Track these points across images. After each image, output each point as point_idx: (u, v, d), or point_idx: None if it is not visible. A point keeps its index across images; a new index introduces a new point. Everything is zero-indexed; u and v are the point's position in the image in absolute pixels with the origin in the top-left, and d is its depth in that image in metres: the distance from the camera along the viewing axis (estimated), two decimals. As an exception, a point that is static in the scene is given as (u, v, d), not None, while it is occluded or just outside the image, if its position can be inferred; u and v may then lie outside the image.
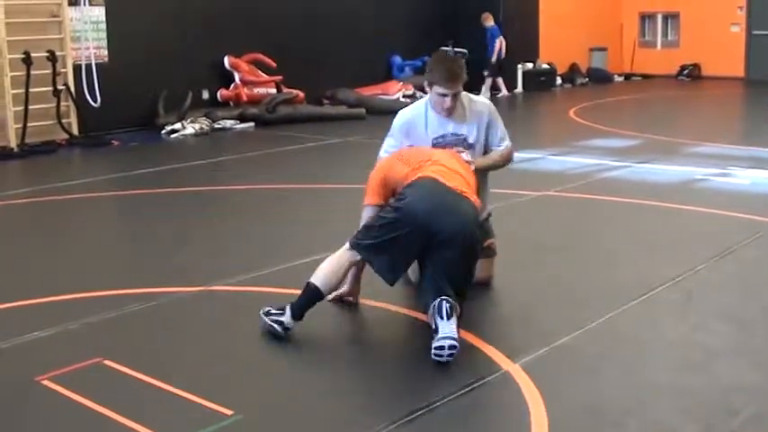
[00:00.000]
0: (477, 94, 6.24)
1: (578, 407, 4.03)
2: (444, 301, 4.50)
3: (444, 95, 5.23)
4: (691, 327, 4.94)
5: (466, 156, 5.26)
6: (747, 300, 5.35)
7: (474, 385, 4.16)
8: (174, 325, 5.18)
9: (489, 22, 17.83)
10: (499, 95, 17.79)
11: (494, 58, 17.75)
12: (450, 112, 5.32)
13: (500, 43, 17.72)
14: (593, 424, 3.85)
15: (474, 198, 4.89)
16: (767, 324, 4.53)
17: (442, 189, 4.81)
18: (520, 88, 19.22)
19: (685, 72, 22.52)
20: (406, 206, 4.76)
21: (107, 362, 4.48)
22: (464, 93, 5.42)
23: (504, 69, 18.21)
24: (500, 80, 18.15)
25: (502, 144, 5.54)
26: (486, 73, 17.77)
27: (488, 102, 5.61)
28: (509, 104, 17.60)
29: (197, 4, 14.65)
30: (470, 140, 5.41)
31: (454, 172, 4.96)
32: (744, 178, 9.23)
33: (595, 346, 4.70)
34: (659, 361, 4.47)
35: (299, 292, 4.93)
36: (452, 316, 4.47)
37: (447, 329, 4.42)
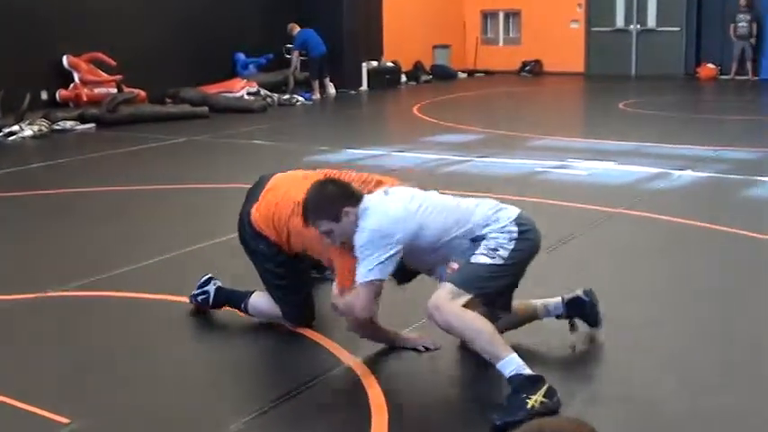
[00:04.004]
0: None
1: (415, 397, 4.15)
2: None
3: None
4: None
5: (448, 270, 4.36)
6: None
7: (315, 381, 4.18)
8: (7, 333, 5.00)
9: (294, 31, 17.70)
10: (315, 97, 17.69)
11: (290, 69, 17.54)
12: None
13: (296, 54, 17.55)
14: (428, 412, 3.97)
15: (253, 213, 4.72)
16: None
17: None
18: (365, 86, 19.35)
19: (527, 68, 23.16)
20: None
21: (-66, 374, 4.32)
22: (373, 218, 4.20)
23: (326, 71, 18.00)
24: (326, 80, 18.05)
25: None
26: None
27: (366, 230, 4.14)
28: (354, 103, 17.71)
29: (33, 1, 14.22)
30: None
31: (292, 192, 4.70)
32: (581, 170, 9.53)
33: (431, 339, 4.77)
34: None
35: (137, 295, 4.79)
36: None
37: None
